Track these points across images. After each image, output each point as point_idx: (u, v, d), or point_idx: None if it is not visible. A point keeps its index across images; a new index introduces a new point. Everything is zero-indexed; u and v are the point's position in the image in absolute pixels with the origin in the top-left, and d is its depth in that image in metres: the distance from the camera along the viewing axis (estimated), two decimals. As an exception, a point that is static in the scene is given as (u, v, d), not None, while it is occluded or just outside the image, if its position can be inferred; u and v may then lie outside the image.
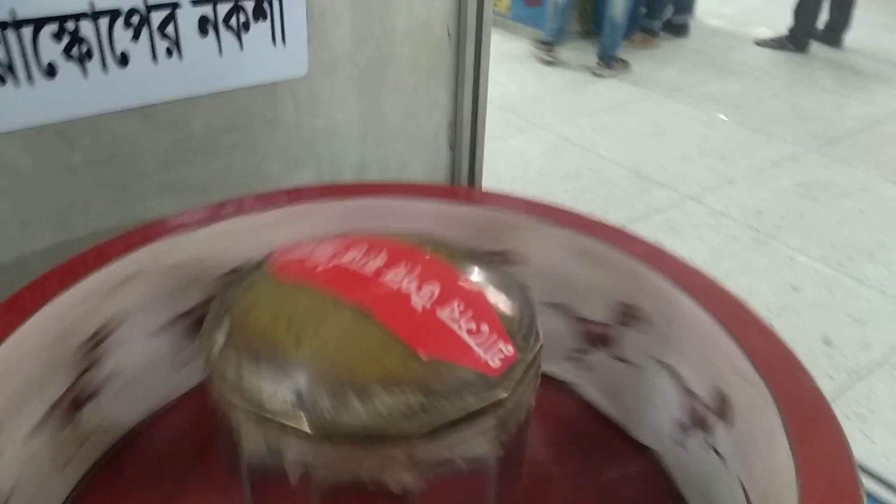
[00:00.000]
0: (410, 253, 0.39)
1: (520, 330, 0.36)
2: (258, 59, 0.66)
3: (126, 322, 0.52)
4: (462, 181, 0.85)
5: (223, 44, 0.63)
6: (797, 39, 4.16)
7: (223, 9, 0.62)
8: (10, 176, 0.58)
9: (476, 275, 0.39)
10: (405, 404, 0.32)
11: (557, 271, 0.55)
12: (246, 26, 0.64)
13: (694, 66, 3.96)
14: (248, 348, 0.34)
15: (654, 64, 3.93)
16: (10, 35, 0.54)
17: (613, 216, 2.38)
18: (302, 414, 0.32)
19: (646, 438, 0.53)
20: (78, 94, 0.58)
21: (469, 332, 0.34)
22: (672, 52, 4.14)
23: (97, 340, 0.50)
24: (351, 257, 0.38)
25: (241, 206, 0.57)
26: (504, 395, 0.33)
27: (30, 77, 0.55)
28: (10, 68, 0.54)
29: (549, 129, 3.19)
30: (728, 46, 4.27)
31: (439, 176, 0.85)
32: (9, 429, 0.44)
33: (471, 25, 0.78)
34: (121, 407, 0.54)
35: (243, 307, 0.36)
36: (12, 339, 0.44)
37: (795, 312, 2.17)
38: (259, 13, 0.64)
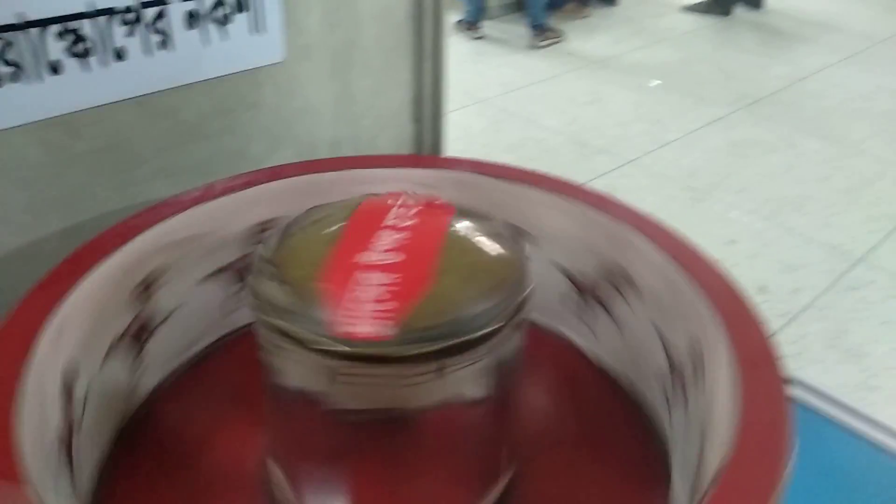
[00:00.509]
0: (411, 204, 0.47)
1: (514, 272, 0.44)
2: (240, 47, 0.71)
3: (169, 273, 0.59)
4: (426, 152, 0.92)
5: (209, 35, 0.69)
6: (722, 3, 4.31)
7: (208, 2, 0.67)
8: (21, 168, 0.63)
9: (473, 226, 0.47)
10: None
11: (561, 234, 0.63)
12: (229, 18, 0.69)
13: (625, 33, 4.08)
14: (290, 290, 0.41)
15: (585, 33, 4.04)
16: (19, 36, 0.58)
17: (558, 182, 2.47)
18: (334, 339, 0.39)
19: (637, 387, 0.62)
20: (80, 88, 0.63)
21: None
22: (603, 20, 4.26)
23: (146, 285, 0.57)
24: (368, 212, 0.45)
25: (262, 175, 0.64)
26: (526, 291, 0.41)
27: (37, 74, 0.60)
28: (20, 67, 0.59)
29: (489, 102, 3.27)
30: (656, 13, 4.40)
31: (405, 149, 0.91)
32: (86, 357, 0.52)
33: (428, 6, 0.84)
34: (172, 344, 0.61)
35: (283, 255, 0.43)
36: (85, 284, 0.51)
37: (732, 264, 2.30)
38: (240, 5, 0.69)
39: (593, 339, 0.66)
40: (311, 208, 0.48)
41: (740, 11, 4.36)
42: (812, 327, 2.05)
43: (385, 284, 0.40)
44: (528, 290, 0.43)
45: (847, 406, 0.69)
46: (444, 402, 0.43)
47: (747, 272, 2.27)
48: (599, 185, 2.64)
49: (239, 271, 0.65)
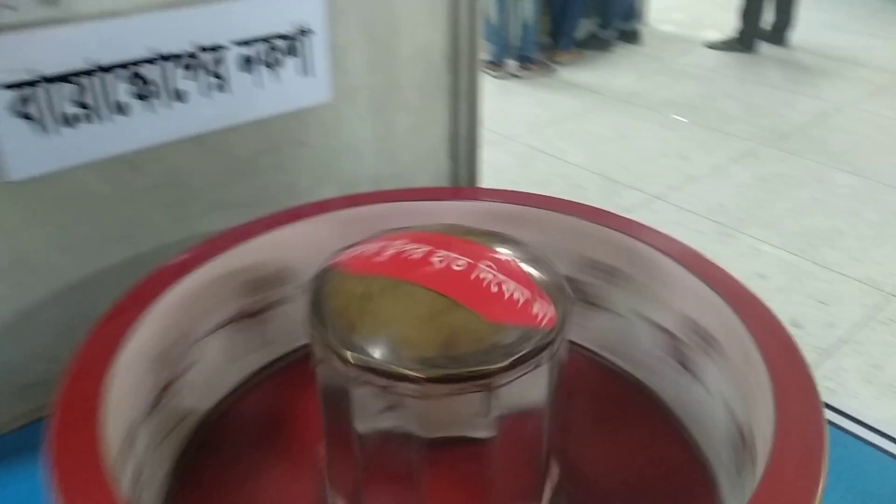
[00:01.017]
0: (462, 244, 0.49)
1: (555, 290, 0.47)
2: (290, 89, 0.76)
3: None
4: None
5: (262, 78, 0.73)
6: (745, 40, 4.36)
7: (261, 48, 0.72)
8: (89, 202, 0.67)
9: (505, 250, 0.50)
10: (479, 351, 0.42)
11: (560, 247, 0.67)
12: (280, 62, 0.74)
13: (649, 70, 4.13)
14: (352, 326, 0.44)
15: (611, 71, 4.10)
16: (90, 80, 0.63)
17: (587, 218, 2.50)
18: (402, 366, 0.42)
19: (636, 372, 0.65)
20: (144, 127, 0.68)
21: (518, 298, 0.45)
22: (627, 58, 4.32)
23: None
24: (416, 252, 0.48)
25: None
26: (552, 338, 0.44)
27: (105, 115, 0.65)
28: (89, 108, 0.64)
29: (518, 139, 3.32)
30: (680, 50, 4.46)
31: (442, 184, 0.95)
32: (199, 328, 0.60)
33: (464, 49, 0.89)
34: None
35: (337, 297, 0.46)
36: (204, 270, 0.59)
37: (763, 298, 2.32)
38: (290, 50, 0.74)
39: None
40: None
41: (765, 48, 4.41)
42: (848, 362, 2.03)
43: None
44: (568, 308, 0.46)
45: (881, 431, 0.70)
46: (495, 422, 0.45)
47: (780, 306, 2.24)
48: (628, 220, 2.67)
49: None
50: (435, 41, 0.86)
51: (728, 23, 4.52)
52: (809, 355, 2.14)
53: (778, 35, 4.53)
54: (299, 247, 0.64)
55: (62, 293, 0.68)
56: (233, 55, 0.71)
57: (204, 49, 0.68)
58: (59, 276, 0.68)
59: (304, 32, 0.75)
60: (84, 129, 0.64)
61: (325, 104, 0.80)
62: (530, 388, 0.45)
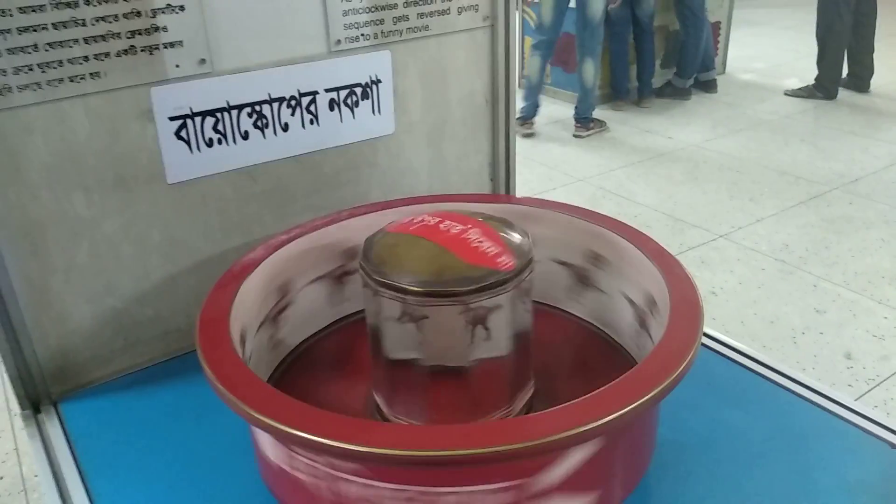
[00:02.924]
0: (465, 218, 0.74)
1: (520, 251, 0.70)
2: (364, 124, 1.03)
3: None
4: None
5: (343, 115, 1.00)
6: (824, 87, 4.42)
7: (343, 93, 0.99)
8: (219, 200, 0.95)
9: (495, 224, 0.74)
10: (457, 279, 0.66)
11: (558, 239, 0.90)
12: (357, 104, 1.01)
13: (725, 116, 4.27)
14: (383, 261, 0.69)
15: (686, 118, 4.26)
16: (225, 114, 0.91)
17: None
18: (407, 284, 0.66)
19: (618, 338, 0.87)
20: (259, 149, 0.95)
21: (490, 251, 0.69)
22: (704, 106, 4.47)
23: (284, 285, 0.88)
24: (432, 222, 0.73)
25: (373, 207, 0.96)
26: (509, 277, 0.68)
27: (234, 139, 0.93)
28: (223, 134, 0.92)
29: (589, 181, 3.53)
30: (758, 98, 4.57)
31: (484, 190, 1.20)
32: (299, 280, 0.85)
33: (501, 94, 1.13)
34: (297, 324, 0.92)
35: (378, 245, 0.71)
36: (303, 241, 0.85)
37: (819, 332, 2.42)
38: (364, 95, 1.01)
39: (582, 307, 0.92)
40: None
41: (844, 95, 4.46)
42: (897, 392, 2.12)
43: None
44: (527, 262, 0.69)
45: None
46: (488, 354, 0.69)
47: (834, 340, 2.36)
48: (690, 256, 2.82)
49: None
50: (478, 88, 1.12)
51: (810, 71, 4.60)
52: (861, 385, 2.24)
53: (858, 82, 4.57)
54: (371, 229, 0.90)
55: (197, 266, 0.96)
56: (323, 98, 0.98)
57: (303, 94, 0.96)
58: (196, 254, 0.95)
59: (375, 82, 1.01)
60: (219, 149, 0.92)
61: (390, 135, 1.06)
62: (497, 315, 0.68)
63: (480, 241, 0.68)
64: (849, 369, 2.28)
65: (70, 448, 0.84)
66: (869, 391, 2.18)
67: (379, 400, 0.77)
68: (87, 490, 0.78)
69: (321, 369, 0.88)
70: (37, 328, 0.87)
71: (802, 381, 0.86)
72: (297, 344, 0.91)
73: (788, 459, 0.76)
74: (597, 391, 0.60)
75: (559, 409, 0.59)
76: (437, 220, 0.72)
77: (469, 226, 0.71)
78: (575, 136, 4.01)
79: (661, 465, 0.74)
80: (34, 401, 0.90)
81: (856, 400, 2.06)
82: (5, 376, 0.88)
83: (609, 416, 0.57)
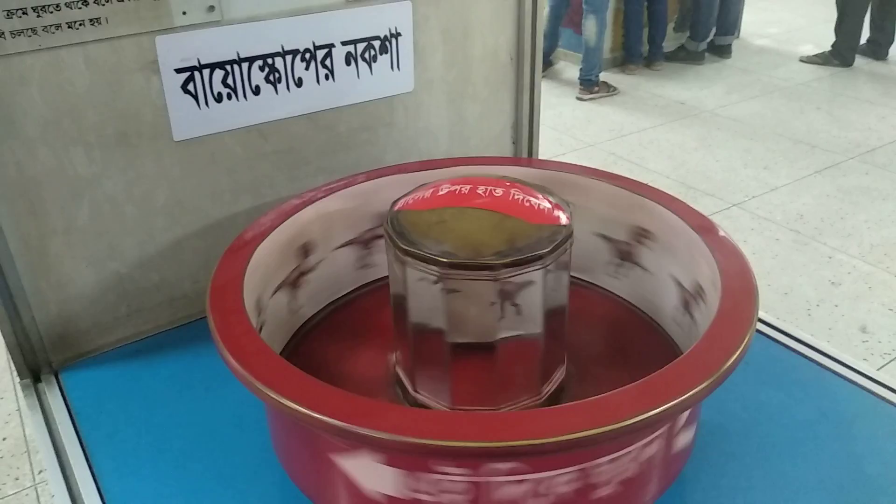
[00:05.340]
0: (478, 179, 0.69)
1: (563, 204, 0.65)
2: (382, 80, 0.96)
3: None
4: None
5: (360, 70, 0.94)
6: (841, 54, 4.31)
7: (361, 47, 0.93)
8: (228, 160, 0.89)
9: (522, 184, 0.68)
10: (531, 243, 0.61)
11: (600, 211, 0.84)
12: (374, 58, 0.94)
13: (739, 82, 4.18)
14: (410, 236, 0.64)
15: (700, 83, 4.16)
16: (235, 67, 0.85)
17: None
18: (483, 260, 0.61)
19: (659, 320, 0.81)
20: (271, 106, 0.89)
21: (544, 208, 0.64)
22: (717, 71, 4.37)
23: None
24: (464, 189, 0.68)
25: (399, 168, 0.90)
26: (571, 231, 0.63)
27: (244, 94, 0.87)
28: (233, 89, 0.86)
29: (600, 146, 3.46)
30: (773, 64, 4.47)
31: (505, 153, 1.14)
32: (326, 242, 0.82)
33: (527, 51, 1.07)
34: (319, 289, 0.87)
35: (410, 229, 0.65)
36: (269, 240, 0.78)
37: (833, 304, 2.37)
38: (383, 49, 0.95)
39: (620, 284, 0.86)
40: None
41: (861, 62, 4.35)
42: (916, 365, 2.09)
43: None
44: (565, 235, 0.63)
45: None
46: (511, 330, 0.64)
47: (849, 312, 2.32)
48: (702, 225, 2.76)
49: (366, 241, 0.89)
50: (502, 43, 1.05)
51: (826, 37, 4.49)
52: (876, 359, 2.20)
53: (877, 49, 4.46)
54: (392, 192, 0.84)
55: (205, 229, 0.90)
56: (339, 52, 0.91)
57: (318, 46, 0.89)
58: (203, 216, 0.90)
59: (394, 35, 0.95)
60: (228, 104, 0.86)
61: (408, 93, 1.00)
62: (536, 289, 0.63)
63: (528, 199, 0.63)
64: (864, 343, 2.24)
65: (72, 420, 0.79)
66: (885, 365, 2.15)
67: (402, 374, 0.72)
68: (89, 465, 0.73)
69: (341, 337, 0.83)
70: (35, 294, 0.82)
71: (846, 362, 0.82)
72: (318, 310, 0.86)
73: (835, 445, 0.72)
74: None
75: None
76: (465, 186, 0.66)
77: (505, 187, 0.66)
78: (577, 98, 3.93)
79: (703, 448, 0.69)
80: (34, 370, 0.85)
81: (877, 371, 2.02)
82: (3, 343, 0.84)
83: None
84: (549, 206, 0.65)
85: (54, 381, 0.85)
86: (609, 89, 3.98)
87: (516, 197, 0.65)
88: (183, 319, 0.93)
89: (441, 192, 0.67)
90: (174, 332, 0.92)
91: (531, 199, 0.65)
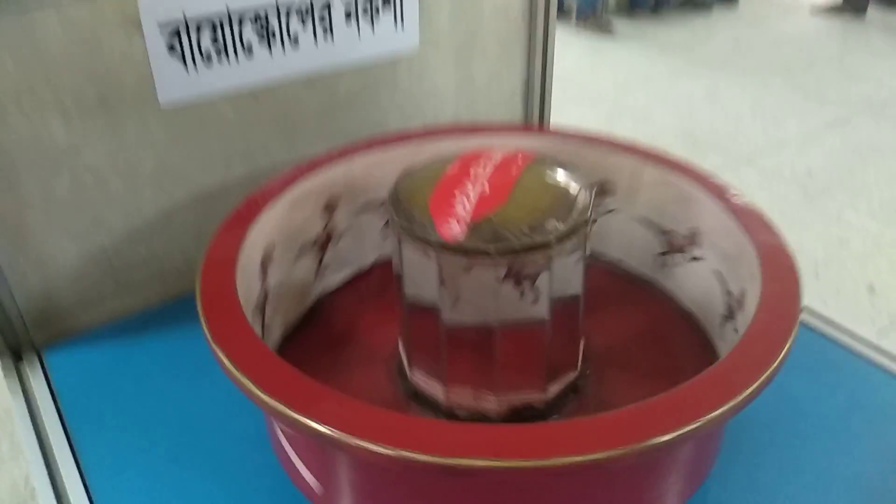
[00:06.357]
0: (509, 156, 0.62)
1: (573, 200, 0.59)
2: (384, 39, 0.89)
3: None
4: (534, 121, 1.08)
5: (361, 27, 0.87)
6: (853, 4, 4.19)
7: (361, 2, 0.85)
8: (219, 125, 0.83)
9: (551, 164, 0.63)
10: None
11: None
12: (377, 15, 0.87)
13: (747, 33, 4.06)
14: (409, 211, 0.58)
15: (707, 33, 4.05)
16: (225, 24, 0.78)
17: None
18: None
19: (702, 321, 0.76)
20: (265, 66, 0.82)
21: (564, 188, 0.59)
22: (725, 21, 4.25)
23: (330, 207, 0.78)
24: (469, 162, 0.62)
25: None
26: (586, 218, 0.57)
27: (236, 55, 0.80)
28: (224, 49, 0.79)
29: (605, 98, 3.36)
30: (782, 14, 4.34)
31: (516, 115, 1.07)
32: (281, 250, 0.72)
33: (541, 7, 0.99)
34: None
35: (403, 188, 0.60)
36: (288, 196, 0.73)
37: (842, 264, 2.33)
38: (385, 4, 0.87)
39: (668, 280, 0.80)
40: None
41: (875, 14, 4.23)
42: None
43: (468, 205, 0.57)
44: (581, 214, 0.57)
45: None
46: (519, 315, 0.58)
47: (857, 271, 2.28)
48: (709, 182, 2.69)
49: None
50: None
51: (836, -15, 4.35)
52: (883, 319, 2.16)
53: (891, -2, 4.32)
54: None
55: (195, 199, 0.85)
56: (338, 7, 0.84)
57: (313, 1, 0.82)
58: (193, 185, 0.84)
59: (398, -11, 0.87)
60: (218, 66, 0.79)
61: (413, 53, 0.92)
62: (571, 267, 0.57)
63: (548, 177, 0.58)
64: (871, 303, 2.20)
65: (55, 404, 0.75)
66: (891, 324, 2.11)
67: (402, 354, 0.67)
68: (73, 452, 0.69)
69: (350, 315, 0.79)
70: (13, 270, 0.77)
71: (882, 347, 0.77)
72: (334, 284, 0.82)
73: (872, 438, 0.67)
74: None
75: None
76: (480, 160, 0.61)
77: (522, 162, 0.60)
78: (577, 27, 3.83)
79: (732, 443, 0.65)
80: (14, 349, 0.80)
81: (880, 340, 1.98)
82: (-18, 321, 0.78)
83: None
84: (568, 184, 0.59)
85: (37, 361, 0.80)
86: (605, 26, 3.88)
87: (531, 173, 0.59)
88: (174, 295, 0.88)
89: (452, 171, 0.61)
90: (165, 308, 0.87)
91: (550, 175, 0.59)
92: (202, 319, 0.57)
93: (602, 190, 0.79)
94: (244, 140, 0.85)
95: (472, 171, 0.61)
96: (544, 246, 0.54)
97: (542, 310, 0.58)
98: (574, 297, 0.61)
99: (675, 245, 0.76)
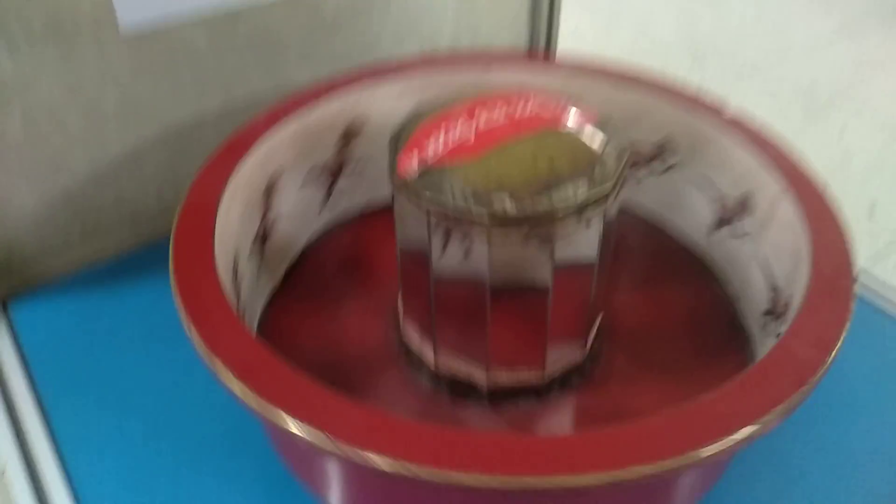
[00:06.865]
0: (516, 97, 0.55)
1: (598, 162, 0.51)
2: (376, -51, 0.79)
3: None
4: (540, 46, 0.98)
5: (349, -62, 0.76)
6: None
7: None
8: (190, 53, 0.73)
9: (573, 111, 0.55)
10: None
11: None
12: (367, -78, 0.76)
13: (756, -70, 3.84)
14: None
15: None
16: (193, -63, 0.68)
17: (667, 88, 2.45)
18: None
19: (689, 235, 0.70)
20: (241, -16, 0.72)
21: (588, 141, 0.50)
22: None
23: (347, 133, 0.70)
24: (485, 121, 0.53)
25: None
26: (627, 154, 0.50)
27: (206, -29, 0.70)
28: (193, -36, 0.69)
29: (601, 3, 3.20)
30: None
31: (521, 40, 0.98)
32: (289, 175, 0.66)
33: (550, -89, 0.88)
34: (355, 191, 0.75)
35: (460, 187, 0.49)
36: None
37: (843, 183, 2.26)
38: None
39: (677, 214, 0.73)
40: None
41: None
42: (923, 249, 2.01)
43: (440, 146, 0.50)
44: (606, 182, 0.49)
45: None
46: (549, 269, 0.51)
47: (858, 190, 2.22)
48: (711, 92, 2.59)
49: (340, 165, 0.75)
50: None
51: None
52: (882, 238, 2.12)
53: None
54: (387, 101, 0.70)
55: (166, 136, 0.76)
56: (323, -86, 0.73)
57: None
58: (163, 121, 0.75)
59: None
60: (187, -17, 0.70)
61: (408, -34, 0.82)
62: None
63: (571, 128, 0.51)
64: (871, 223, 2.16)
65: (22, 362, 0.69)
66: (888, 246, 2.08)
67: (416, 337, 0.61)
68: (44, 415, 0.64)
69: (335, 276, 0.72)
70: (-34, 217, 0.69)
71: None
72: (303, 246, 0.74)
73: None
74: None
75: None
76: (493, 109, 0.53)
77: (542, 107, 0.52)
78: None
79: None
80: (-26, 302, 0.74)
81: (877, 262, 1.94)
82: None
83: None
84: (593, 136, 0.51)
85: (1, 314, 0.74)
86: None
87: (551, 120, 0.51)
88: (149, 238, 0.81)
89: (467, 135, 0.52)
90: (140, 253, 0.80)
91: (571, 126, 0.51)
92: (174, 290, 0.51)
93: (662, 148, 0.71)
94: (219, 69, 0.76)
95: (477, 113, 0.53)
96: (479, 221, 0.47)
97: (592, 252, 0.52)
98: (585, 266, 0.54)
99: (726, 214, 0.68)
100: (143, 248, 0.80)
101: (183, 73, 0.74)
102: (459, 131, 0.51)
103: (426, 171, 0.49)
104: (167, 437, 0.61)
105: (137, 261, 0.79)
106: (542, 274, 0.51)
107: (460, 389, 0.59)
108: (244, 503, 0.57)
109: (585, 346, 0.59)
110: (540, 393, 0.58)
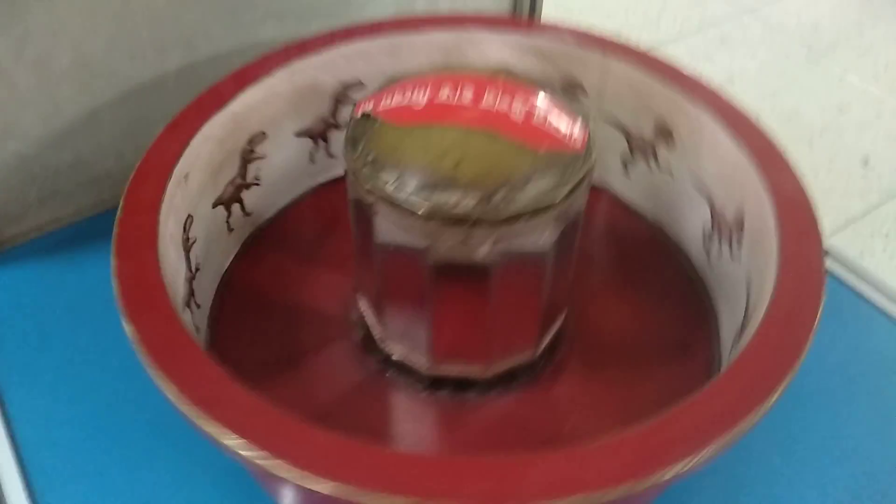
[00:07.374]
0: (491, 82, 0.50)
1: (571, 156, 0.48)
2: None
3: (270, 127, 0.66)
4: (524, 14, 0.93)
5: None
6: None
7: None
8: (148, 7, 0.69)
9: (543, 95, 0.50)
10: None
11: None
12: None
13: None
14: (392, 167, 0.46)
15: None
16: None
17: (665, 30, 2.38)
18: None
19: (682, 242, 0.67)
20: (199, -67, 0.67)
21: (556, 128, 0.47)
22: None
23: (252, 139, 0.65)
24: (445, 95, 0.50)
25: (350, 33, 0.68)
26: (591, 163, 0.46)
27: (161, -80, 0.65)
28: (145, -88, 0.64)
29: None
30: None
31: (503, 7, 0.93)
32: (201, 201, 0.60)
33: None
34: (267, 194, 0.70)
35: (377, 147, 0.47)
36: (205, 131, 0.58)
37: (838, 132, 2.22)
38: None
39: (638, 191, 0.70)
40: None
41: None
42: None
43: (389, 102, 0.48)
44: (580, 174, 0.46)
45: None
46: (509, 255, 0.48)
47: (853, 142, 2.18)
48: (710, 35, 2.52)
49: (324, 130, 0.71)
50: None
51: None
52: (872, 195, 2.09)
53: None
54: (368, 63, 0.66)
55: (125, 95, 0.72)
56: None
57: None
58: (121, 80, 0.71)
59: None
60: (140, -68, 0.65)
61: (382, -88, 0.77)
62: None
63: (536, 113, 0.47)
64: (863, 178, 2.13)
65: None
66: (880, 204, 2.05)
67: (367, 314, 0.58)
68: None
69: (293, 251, 0.69)
70: (-89, 185, 0.66)
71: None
72: (272, 214, 0.71)
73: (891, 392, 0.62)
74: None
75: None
76: (455, 90, 0.49)
77: (500, 93, 0.48)
78: None
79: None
80: (-72, 270, 0.71)
81: (865, 215, 1.92)
82: None
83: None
84: (561, 122, 0.47)
85: (-43, 284, 0.71)
86: None
87: (518, 108, 0.47)
88: (110, 202, 0.77)
89: (419, 99, 0.49)
90: (99, 217, 0.77)
91: (539, 112, 0.48)
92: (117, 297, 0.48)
93: (661, 133, 0.66)
94: (179, 24, 0.71)
95: (445, 86, 0.49)
96: (533, 213, 0.44)
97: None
98: (533, 264, 0.49)
99: (722, 230, 0.62)
100: (104, 213, 0.77)
101: (140, 29, 0.69)
102: (415, 95, 0.48)
103: (365, 116, 0.48)
104: (125, 414, 0.60)
105: (98, 226, 0.76)
106: (484, 263, 0.48)
107: (402, 372, 0.57)
108: (206, 484, 0.56)
109: (538, 346, 0.57)
110: (482, 388, 0.56)
